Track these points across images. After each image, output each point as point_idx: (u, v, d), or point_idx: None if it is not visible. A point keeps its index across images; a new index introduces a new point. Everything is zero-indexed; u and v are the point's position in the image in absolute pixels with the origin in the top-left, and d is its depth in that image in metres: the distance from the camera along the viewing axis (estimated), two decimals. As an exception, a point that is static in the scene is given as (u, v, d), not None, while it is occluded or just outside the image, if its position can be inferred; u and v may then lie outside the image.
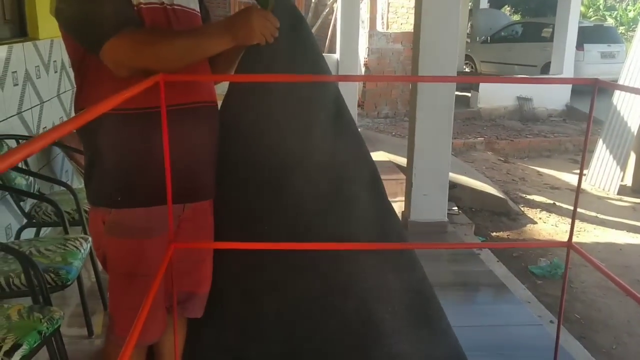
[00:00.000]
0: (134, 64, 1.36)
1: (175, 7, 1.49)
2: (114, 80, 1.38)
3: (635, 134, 6.82)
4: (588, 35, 11.26)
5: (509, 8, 19.76)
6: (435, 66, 3.52)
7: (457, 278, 3.49)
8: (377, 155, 6.44)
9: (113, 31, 1.33)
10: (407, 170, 3.94)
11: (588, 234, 5.58)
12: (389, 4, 10.20)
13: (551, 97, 10.23)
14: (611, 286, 4.39)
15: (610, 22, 18.22)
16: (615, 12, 20.23)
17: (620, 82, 7.17)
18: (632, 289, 1.39)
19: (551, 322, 3.24)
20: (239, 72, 1.64)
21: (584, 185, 7.20)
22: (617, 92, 7.16)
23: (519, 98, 10.02)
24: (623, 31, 17.76)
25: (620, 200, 6.73)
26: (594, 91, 1.60)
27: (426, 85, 3.55)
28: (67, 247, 2.29)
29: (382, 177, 1.79)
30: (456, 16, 3.52)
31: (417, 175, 3.73)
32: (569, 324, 3.84)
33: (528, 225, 5.64)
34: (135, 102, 1.35)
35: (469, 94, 10.35)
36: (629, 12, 18.95)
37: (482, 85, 9.94)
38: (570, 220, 5.83)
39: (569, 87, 10.69)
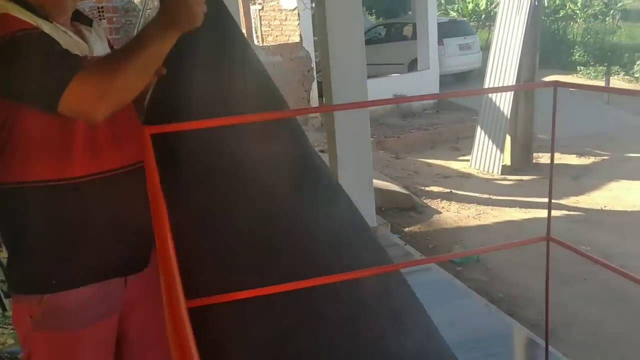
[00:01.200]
0: (105, 100, 1.22)
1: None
2: (45, 145, 1.28)
3: (508, 117, 7.43)
4: (445, 30, 12.07)
5: (364, 10, 20.62)
6: (345, 80, 3.60)
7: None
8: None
9: (67, 78, 1.20)
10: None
11: (487, 215, 6.00)
12: (261, 17, 10.25)
13: (423, 91, 10.82)
14: (521, 262, 4.75)
15: (453, 15, 19.63)
16: (456, 6, 21.85)
17: (488, 71, 7.78)
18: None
19: (486, 304, 3.47)
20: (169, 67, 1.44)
21: (469, 170, 7.74)
22: (487, 80, 7.76)
23: (394, 96, 10.50)
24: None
25: (505, 179, 7.30)
26: (554, 94, 1.70)
27: (340, 92, 3.62)
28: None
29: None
30: (360, 21, 3.63)
31: (342, 184, 3.79)
32: (496, 304, 4.10)
33: (434, 215, 5.95)
34: (66, 171, 1.28)
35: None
36: (468, 4, 20.52)
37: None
38: (470, 205, 6.18)
39: (437, 79, 11.40)
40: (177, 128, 1.34)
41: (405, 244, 4.40)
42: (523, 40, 7.30)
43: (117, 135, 1.36)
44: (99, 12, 6.97)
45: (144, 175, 1.30)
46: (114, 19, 7.50)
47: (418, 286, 3.42)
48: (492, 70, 7.69)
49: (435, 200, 6.40)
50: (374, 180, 6.23)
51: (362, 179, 3.88)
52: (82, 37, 1.41)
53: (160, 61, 1.30)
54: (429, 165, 7.93)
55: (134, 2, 11.70)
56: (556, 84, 1.66)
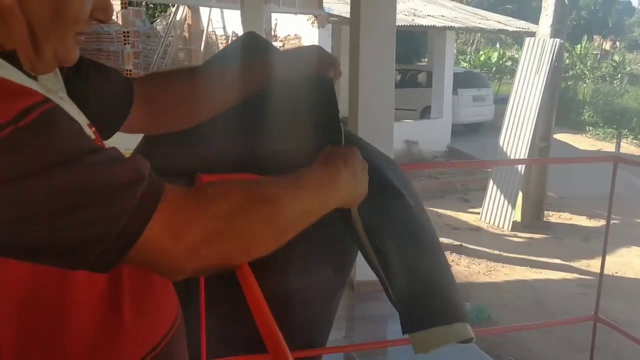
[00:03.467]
0: (207, 253, 0.69)
1: None
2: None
3: (522, 173, 7.38)
4: (460, 80, 12.16)
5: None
6: (373, 115, 3.55)
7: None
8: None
9: (158, 189, 0.66)
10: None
11: (498, 272, 5.88)
12: (277, 37, 10.34)
13: (435, 139, 10.85)
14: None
15: (464, 65, 19.85)
16: (468, 57, 22.10)
17: (505, 125, 7.76)
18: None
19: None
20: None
21: (479, 223, 7.64)
22: (503, 134, 7.74)
23: (406, 142, 10.49)
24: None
25: (515, 236, 7.20)
26: (614, 169, 1.63)
27: (366, 134, 3.55)
28: None
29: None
30: (391, 66, 3.60)
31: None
32: (507, 367, 3.96)
33: (444, 268, 5.82)
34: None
35: (359, 139, 10.66)
36: (480, 56, 20.75)
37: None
38: (480, 260, 6.06)
39: (449, 128, 11.42)
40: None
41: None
42: (541, 99, 7.31)
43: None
44: (124, 36, 6.97)
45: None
46: (136, 44, 7.53)
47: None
48: (508, 125, 7.68)
49: (445, 253, 6.28)
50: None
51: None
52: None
53: (304, 227, 0.81)
54: (439, 215, 7.83)
55: (156, 29, 11.84)
56: (616, 159, 1.60)
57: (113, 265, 0.64)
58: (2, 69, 0.64)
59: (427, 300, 1.19)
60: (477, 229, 7.41)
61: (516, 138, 7.44)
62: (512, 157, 7.42)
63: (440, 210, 8.02)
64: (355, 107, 3.57)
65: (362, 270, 3.80)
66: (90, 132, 0.73)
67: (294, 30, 10.41)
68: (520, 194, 7.46)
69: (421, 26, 11.16)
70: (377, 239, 1.18)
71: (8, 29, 0.66)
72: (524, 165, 7.34)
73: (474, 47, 26.12)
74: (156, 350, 0.81)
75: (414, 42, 17.65)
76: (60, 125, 0.61)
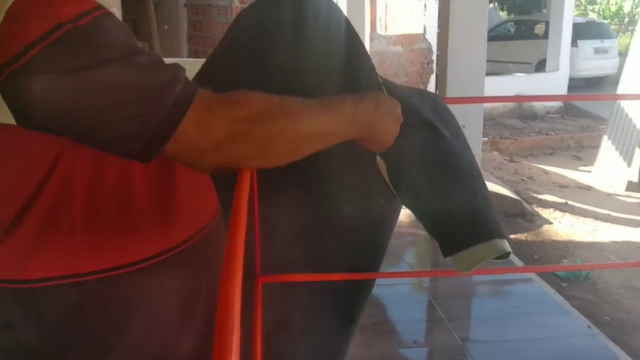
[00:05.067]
0: (229, 150, 0.78)
1: None
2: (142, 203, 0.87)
3: (640, 130, 6.85)
4: (581, 31, 11.34)
5: (492, 5, 19.86)
6: (462, 75, 3.48)
7: (493, 286, 3.46)
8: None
9: (191, 91, 0.75)
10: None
11: (604, 233, 5.58)
12: (386, 6, 10.16)
13: (549, 93, 10.27)
14: (636, 286, 4.40)
15: (592, 16, 18.38)
16: (598, 7, 20.41)
17: (623, 77, 7.20)
18: None
19: (588, 327, 3.23)
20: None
21: (590, 182, 7.23)
22: (620, 87, 7.19)
23: (517, 96, 10.04)
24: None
25: (629, 196, 6.75)
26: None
27: (455, 86, 3.51)
28: None
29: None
30: (485, 16, 3.48)
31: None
32: (601, 328, 3.82)
33: (544, 226, 5.63)
34: (168, 240, 0.88)
35: (466, 94, 10.36)
36: (611, 6, 19.10)
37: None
38: (586, 219, 5.79)
39: (565, 82, 10.75)
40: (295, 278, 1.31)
41: (506, 252, 4.20)
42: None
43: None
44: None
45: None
46: (244, -1, 7.72)
47: (516, 296, 3.29)
48: (627, 77, 7.11)
49: (547, 210, 6.06)
50: (483, 182, 6.03)
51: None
52: None
53: (315, 150, 0.88)
54: (546, 172, 7.50)
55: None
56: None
57: (155, 155, 0.74)
58: None
59: (464, 223, 1.22)
60: (587, 188, 7.02)
61: (636, 91, 6.88)
62: (629, 114, 6.90)
63: (548, 168, 7.68)
64: (445, 58, 3.52)
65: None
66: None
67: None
68: (637, 152, 6.95)
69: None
70: (407, 175, 1.22)
71: None
72: (643, 121, 6.80)
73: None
74: (196, 237, 0.93)
75: (535, -9, 16.60)
76: (111, 28, 0.71)
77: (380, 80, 1.19)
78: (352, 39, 1.18)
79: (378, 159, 1.19)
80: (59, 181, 0.77)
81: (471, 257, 1.20)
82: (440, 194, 1.24)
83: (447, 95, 3.55)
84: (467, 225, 1.22)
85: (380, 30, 10.17)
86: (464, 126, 1.39)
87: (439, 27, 3.52)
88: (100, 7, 0.71)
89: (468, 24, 3.44)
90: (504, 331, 2.84)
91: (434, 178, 1.25)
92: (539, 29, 12.31)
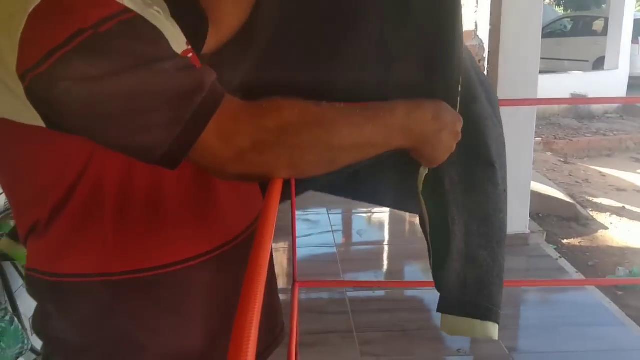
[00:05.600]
0: (255, 160, 0.75)
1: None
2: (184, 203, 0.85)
3: None
4: (642, 27, 10.87)
5: (548, 1, 19.28)
6: (514, 74, 3.36)
7: (542, 294, 3.33)
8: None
9: (210, 107, 0.71)
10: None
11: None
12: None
13: (607, 93, 9.88)
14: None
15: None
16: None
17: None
18: None
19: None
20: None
21: (650, 186, 6.91)
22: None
23: (573, 95, 9.70)
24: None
25: (692, 202, 6.41)
26: None
27: (507, 85, 3.39)
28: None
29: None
30: (539, 12, 3.35)
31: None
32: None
33: (599, 231, 5.40)
34: (204, 244, 0.87)
35: (519, 92, 10.08)
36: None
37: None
38: (645, 225, 5.49)
39: (625, 81, 10.32)
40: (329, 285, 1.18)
41: (559, 257, 4.04)
42: None
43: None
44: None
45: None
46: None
47: (567, 305, 3.15)
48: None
49: (603, 214, 5.81)
50: (534, 183, 5.81)
51: (519, 181, 3.62)
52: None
53: (363, 158, 0.82)
54: (603, 175, 7.21)
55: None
56: None
57: (177, 163, 0.72)
58: None
59: (471, 290, 1.15)
60: (647, 192, 6.71)
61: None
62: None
63: (604, 170, 7.37)
64: (496, 56, 3.40)
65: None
66: (185, 47, 0.75)
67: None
68: (703, 155, 6.59)
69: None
70: (443, 207, 1.11)
71: None
72: None
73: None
74: (231, 244, 0.91)
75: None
76: (136, 34, 0.67)
77: (460, 83, 0.92)
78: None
79: (422, 169, 1.09)
80: (91, 182, 0.77)
81: (460, 325, 1.16)
82: (465, 249, 1.15)
83: (498, 95, 3.43)
84: (473, 294, 1.15)
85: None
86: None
87: (490, 23, 3.41)
88: (126, 10, 0.67)
89: (521, 20, 3.31)
90: (553, 342, 2.72)
91: (468, 230, 1.13)
92: (598, 25, 11.86)
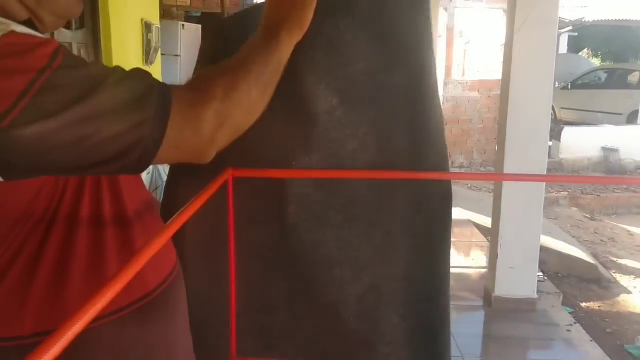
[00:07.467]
0: (225, 128, 0.82)
1: None
2: None
3: None
4: (680, 81, 10.57)
5: (586, 51, 19.04)
6: (525, 120, 3.23)
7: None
8: (454, 213, 6.11)
9: (164, 105, 0.76)
10: (492, 239, 3.61)
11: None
12: (465, 51, 9.96)
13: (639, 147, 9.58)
14: None
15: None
16: None
17: None
18: None
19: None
20: None
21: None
22: None
23: (604, 148, 9.43)
24: None
25: None
26: None
27: (515, 141, 3.26)
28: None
29: (461, 239, 1.41)
30: (551, 67, 3.22)
31: (503, 246, 3.40)
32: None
33: (621, 295, 5.12)
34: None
35: (549, 143, 9.84)
36: None
37: (564, 134, 9.42)
38: (671, 292, 5.20)
39: (660, 136, 10.00)
40: (265, 174, 1.08)
41: (573, 323, 3.79)
42: None
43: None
44: None
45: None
46: None
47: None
48: None
49: (627, 277, 5.52)
50: (554, 241, 5.59)
51: (527, 244, 3.44)
52: None
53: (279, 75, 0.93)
54: (630, 233, 6.90)
55: None
56: None
57: (150, 161, 0.76)
58: (21, 28, 0.75)
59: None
60: (677, 255, 6.37)
61: None
62: None
63: (633, 229, 7.06)
64: (505, 109, 3.28)
65: (501, 285, 3.51)
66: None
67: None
68: None
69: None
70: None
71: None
72: None
73: None
74: (150, 296, 0.91)
75: (633, 39, 15.76)
76: (80, 61, 0.74)
77: None
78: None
79: None
80: (33, 249, 0.80)
81: None
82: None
83: (506, 152, 3.28)
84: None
85: (456, 75, 9.96)
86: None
87: (501, 78, 3.31)
88: (58, 42, 0.73)
89: (531, 73, 3.20)
90: None
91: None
92: (633, 77, 11.60)
